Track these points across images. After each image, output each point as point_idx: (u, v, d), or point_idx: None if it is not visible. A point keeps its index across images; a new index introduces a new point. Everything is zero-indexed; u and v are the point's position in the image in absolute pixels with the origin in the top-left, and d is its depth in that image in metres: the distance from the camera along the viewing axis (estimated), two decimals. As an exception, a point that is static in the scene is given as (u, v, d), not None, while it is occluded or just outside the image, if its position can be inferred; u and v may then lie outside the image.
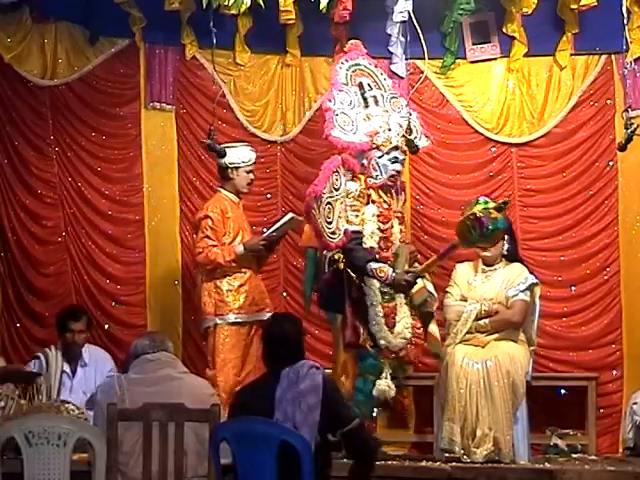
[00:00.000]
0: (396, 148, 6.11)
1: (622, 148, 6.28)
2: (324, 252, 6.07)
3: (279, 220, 6.79)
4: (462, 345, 6.20)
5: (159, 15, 7.23)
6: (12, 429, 4.79)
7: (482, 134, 7.55)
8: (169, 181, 7.58)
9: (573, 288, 7.42)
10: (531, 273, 6.42)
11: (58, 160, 7.44)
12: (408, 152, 6.25)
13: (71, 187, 7.46)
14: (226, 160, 6.64)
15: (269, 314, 6.48)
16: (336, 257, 5.97)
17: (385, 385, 5.95)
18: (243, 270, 6.61)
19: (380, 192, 6.11)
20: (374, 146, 6.09)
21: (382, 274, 5.90)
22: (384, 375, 5.96)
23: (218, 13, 6.72)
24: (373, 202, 6.07)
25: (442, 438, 6.05)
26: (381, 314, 5.91)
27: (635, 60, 7.14)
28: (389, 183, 6.12)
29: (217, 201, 6.71)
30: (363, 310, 5.95)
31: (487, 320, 6.26)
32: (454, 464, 5.87)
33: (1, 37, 7.28)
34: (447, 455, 6.05)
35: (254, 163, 6.80)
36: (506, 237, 6.33)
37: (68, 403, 5.88)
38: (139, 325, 7.36)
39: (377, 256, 5.98)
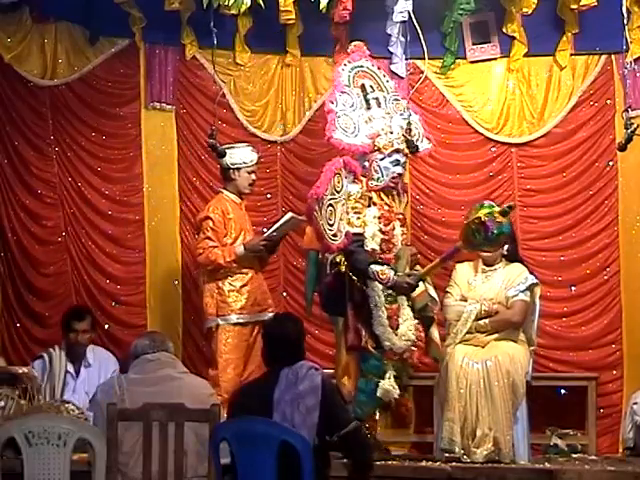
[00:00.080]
0: (397, 151, 6.10)
1: (622, 148, 6.27)
2: (326, 254, 6.07)
3: (279, 220, 6.80)
4: (462, 345, 6.20)
5: (159, 15, 7.23)
6: (12, 429, 4.79)
7: (482, 134, 7.55)
8: (169, 181, 7.58)
9: (573, 288, 7.42)
10: (531, 273, 6.42)
11: (58, 160, 7.44)
12: (408, 152, 6.24)
13: (71, 187, 7.46)
14: (228, 161, 6.65)
15: (272, 314, 6.50)
16: (338, 260, 5.97)
17: (389, 386, 5.95)
18: (245, 270, 6.62)
19: (381, 194, 6.11)
20: (375, 148, 6.08)
21: (384, 276, 5.89)
22: (388, 376, 5.96)
23: (218, 13, 6.71)
24: (374, 204, 6.07)
25: (442, 438, 6.05)
26: (385, 316, 5.91)
27: (635, 60, 7.13)
28: (390, 185, 6.12)
29: (218, 202, 6.71)
30: (365, 312, 5.95)
31: (487, 320, 6.26)
32: (454, 464, 5.86)
33: (1, 37, 7.28)
34: (447, 455, 6.04)
35: (256, 164, 6.81)
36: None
37: (68, 403, 5.88)
38: (139, 325, 7.36)
39: (379, 258, 5.98)
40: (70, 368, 6.61)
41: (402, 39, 7.22)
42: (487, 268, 6.40)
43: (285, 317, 5.07)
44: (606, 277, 7.38)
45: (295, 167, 7.64)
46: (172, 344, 5.45)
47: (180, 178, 7.58)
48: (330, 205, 5.89)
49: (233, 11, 6.90)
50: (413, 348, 6.03)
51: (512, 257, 6.45)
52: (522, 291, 6.29)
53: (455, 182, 7.57)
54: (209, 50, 6.93)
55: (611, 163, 7.39)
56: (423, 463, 5.98)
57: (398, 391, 5.99)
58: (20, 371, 5.99)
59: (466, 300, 6.34)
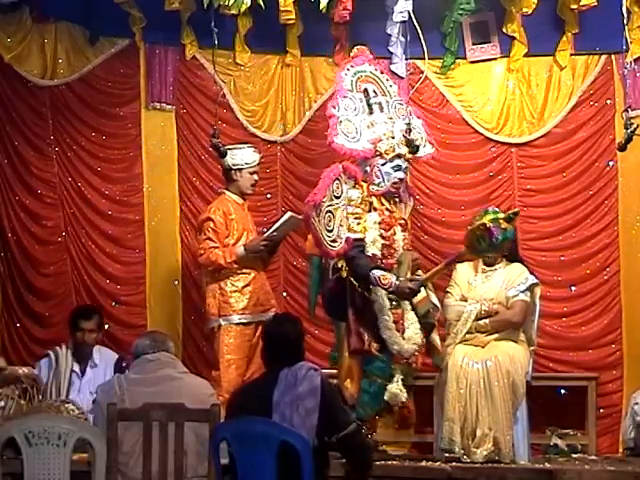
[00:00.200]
0: (399, 156, 6.09)
1: (622, 148, 6.27)
2: (328, 259, 6.07)
3: (278, 220, 6.80)
4: (462, 345, 6.20)
5: (159, 15, 7.23)
6: (12, 429, 4.80)
7: (482, 134, 7.55)
8: (169, 181, 7.58)
9: (573, 288, 7.42)
10: (531, 273, 6.41)
11: (58, 160, 7.44)
12: (408, 153, 6.22)
13: (71, 187, 7.46)
14: (229, 162, 6.66)
15: None
16: (339, 265, 5.96)
17: (397, 389, 5.95)
18: (247, 271, 6.62)
19: (382, 199, 6.10)
20: (377, 153, 6.08)
21: (385, 281, 5.88)
22: (396, 380, 5.96)
23: (218, 13, 6.71)
24: (375, 209, 6.05)
25: (442, 438, 6.05)
26: (391, 320, 5.91)
27: (635, 60, 7.13)
28: (392, 190, 6.11)
29: (220, 203, 6.72)
30: (368, 316, 5.94)
31: (487, 320, 6.26)
32: (454, 464, 5.86)
33: (1, 37, 7.28)
34: (447, 455, 6.04)
35: (258, 164, 6.81)
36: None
37: (68, 403, 5.88)
38: (139, 325, 7.36)
39: (381, 263, 5.97)
40: (76, 367, 6.60)
41: (402, 39, 7.22)
42: (487, 268, 6.40)
43: (284, 317, 5.06)
44: (606, 277, 7.39)
45: (295, 167, 7.64)
46: (173, 344, 5.46)
47: (180, 178, 7.58)
48: (329, 211, 5.87)
49: (233, 11, 6.91)
50: (417, 352, 6.03)
51: (512, 257, 6.44)
52: (522, 291, 6.28)
53: (455, 182, 7.57)
54: (209, 50, 6.94)
55: (611, 163, 7.39)
56: (423, 463, 5.98)
57: (406, 395, 5.99)
58: (20, 371, 5.99)
59: (466, 300, 6.34)
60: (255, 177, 6.77)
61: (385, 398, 5.98)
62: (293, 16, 7.10)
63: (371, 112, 6.23)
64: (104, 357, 6.69)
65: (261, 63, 7.66)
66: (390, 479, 5.63)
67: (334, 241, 5.88)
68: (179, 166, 7.59)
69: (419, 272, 6.18)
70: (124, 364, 6.61)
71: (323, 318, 6.47)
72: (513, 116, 7.53)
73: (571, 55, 7.46)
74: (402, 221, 6.17)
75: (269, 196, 7.58)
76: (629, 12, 6.86)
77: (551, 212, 7.48)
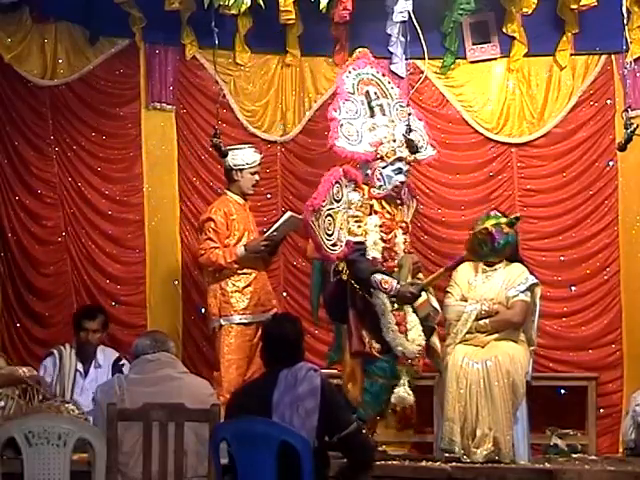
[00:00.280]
0: (400, 159, 6.09)
1: (622, 148, 6.27)
2: (329, 263, 6.07)
3: (278, 220, 6.80)
4: (462, 345, 6.20)
5: (159, 15, 7.23)
6: (12, 429, 4.79)
7: (482, 134, 7.55)
8: (169, 181, 7.58)
9: (573, 288, 7.42)
10: (531, 273, 6.41)
11: (58, 160, 7.44)
12: (409, 153, 6.22)
13: (71, 187, 7.46)
14: (231, 162, 6.67)
15: None
16: (340, 268, 5.96)
17: (405, 393, 5.96)
18: (248, 271, 6.62)
19: (383, 202, 6.09)
20: (378, 156, 6.07)
21: (386, 285, 5.88)
22: (402, 382, 5.96)
23: (218, 13, 6.71)
24: (375, 212, 6.05)
25: (442, 438, 6.05)
26: (393, 322, 5.91)
27: (635, 60, 7.13)
28: (393, 194, 6.11)
29: (221, 203, 6.72)
30: (369, 319, 5.94)
31: (487, 320, 6.26)
32: (454, 464, 5.86)
33: (1, 37, 7.28)
34: (447, 455, 6.04)
35: (259, 164, 6.81)
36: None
37: (68, 403, 5.89)
38: (139, 325, 7.36)
39: (382, 266, 5.96)
40: (80, 367, 6.62)
41: (402, 39, 7.22)
42: (487, 268, 6.39)
43: (284, 317, 5.06)
44: (606, 277, 7.39)
45: (295, 167, 7.64)
46: (173, 344, 5.46)
47: (180, 178, 7.58)
48: (329, 215, 5.87)
49: (233, 11, 6.91)
50: (420, 354, 6.03)
51: (512, 257, 6.44)
52: (522, 291, 6.28)
53: (455, 182, 7.57)
54: (209, 50, 6.94)
55: (611, 163, 7.39)
56: (423, 463, 5.98)
57: (413, 398, 6.00)
58: (20, 371, 5.99)
59: (466, 300, 6.34)
60: (256, 177, 6.78)
61: (392, 401, 5.99)
62: (293, 16, 7.10)
63: (372, 115, 6.23)
64: (108, 357, 6.70)
65: (261, 63, 7.66)
66: (390, 479, 5.63)
67: (334, 245, 5.88)
68: (179, 166, 7.59)
69: (420, 275, 6.19)
70: (121, 362, 6.63)
71: (323, 317, 6.47)
72: (513, 116, 7.53)
73: (571, 55, 7.46)
74: (403, 224, 6.16)
75: (269, 196, 7.58)
76: (629, 12, 6.86)
77: (551, 212, 7.48)
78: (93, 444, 4.78)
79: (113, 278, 7.48)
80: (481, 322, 6.26)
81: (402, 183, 6.13)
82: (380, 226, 6.02)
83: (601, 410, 7.21)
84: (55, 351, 6.63)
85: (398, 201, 6.18)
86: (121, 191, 7.53)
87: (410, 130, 6.15)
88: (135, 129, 7.54)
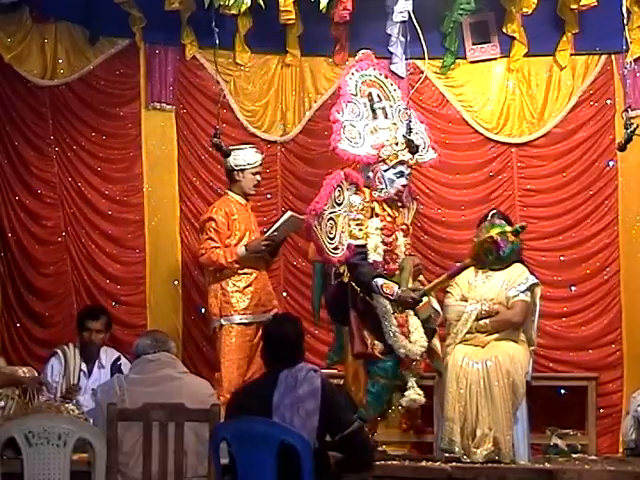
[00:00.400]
0: (402, 162, 6.09)
1: (622, 148, 6.27)
2: (331, 266, 6.07)
3: (278, 220, 6.80)
4: (462, 345, 6.20)
5: (159, 15, 7.23)
6: (12, 429, 4.80)
7: (482, 134, 7.55)
8: (169, 181, 7.58)
9: (573, 288, 7.42)
10: (531, 273, 6.41)
11: (58, 160, 7.44)
12: (409, 153, 6.22)
13: (71, 187, 7.46)
14: (232, 162, 6.67)
15: None
16: (341, 270, 5.96)
17: (416, 395, 5.96)
18: (249, 271, 6.62)
19: (384, 205, 6.09)
20: (380, 159, 6.07)
21: (388, 290, 5.88)
22: (411, 385, 5.96)
23: (218, 13, 6.71)
24: (377, 215, 6.05)
25: (442, 438, 6.05)
26: (396, 324, 5.91)
27: (635, 60, 7.13)
28: (394, 197, 6.11)
29: (223, 203, 6.73)
30: (370, 320, 5.94)
31: (487, 320, 6.26)
32: (454, 464, 5.86)
33: (1, 37, 7.28)
34: (447, 455, 6.04)
35: (260, 165, 6.81)
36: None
37: (68, 403, 5.89)
38: (139, 325, 7.36)
39: (384, 268, 5.96)
40: (83, 367, 6.63)
41: (402, 39, 7.22)
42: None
43: (284, 317, 5.07)
44: (606, 277, 7.39)
45: (295, 167, 7.64)
46: (174, 343, 5.46)
47: (180, 178, 7.58)
48: (331, 219, 5.86)
49: (233, 11, 6.91)
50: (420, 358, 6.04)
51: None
52: (522, 291, 6.28)
53: (455, 182, 7.57)
54: (209, 50, 6.95)
55: (611, 163, 7.39)
56: (423, 463, 5.98)
57: (424, 398, 6.00)
58: (20, 371, 6.00)
59: (466, 300, 6.34)
60: (258, 177, 6.78)
61: (404, 404, 6.00)
62: (293, 16, 7.10)
63: (375, 117, 6.22)
64: (110, 358, 6.71)
65: (261, 63, 7.66)
66: (390, 479, 5.63)
67: (336, 248, 5.87)
68: (179, 166, 7.59)
69: (421, 277, 6.20)
70: (119, 362, 6.64)
71: (323, 318, 6.47)
72: (513, 116, 7.52)
73: (571, 55, 7.45)
74: (404, 226, 6.16)
75: (269, 196, 7.58)
76: (629, 12, 6.86)
77: (551, 212, 7.48)
78: (93, 444, 4.78)
79: (113, 278, 7.48)
80: (481, 322, 6.26)
81: (404, 186, 6.12)
82: (381, 229, 6.01)
83: (601, 410, 7.20)
84: (59, 351, 6.64)
85: (399, 204, 6.17)
86: (121, 191, 7.53)
87: (410, 130, 6.15)
88: (135, 129, 7.54)
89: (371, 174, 6.09)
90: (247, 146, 6.86)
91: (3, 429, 4.88)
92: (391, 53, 7.42)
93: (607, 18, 6.70)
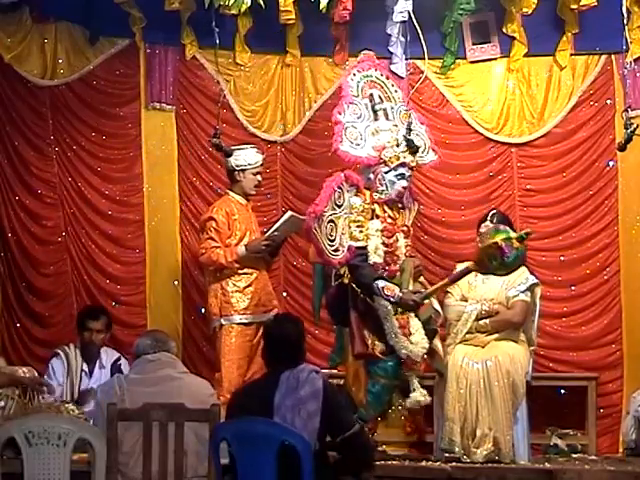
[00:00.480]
0: (403, 164, 6.09)
1: (622, 148, 6.27)
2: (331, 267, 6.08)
3: (279, 220, 6.80)
4: (462, 345, 6.20)
5: (159, 15, 7.23)
6: (12, 429, 4.80)
7: (482, 134, 7.55)
8: (169, 181, 7.58)
9: (573, 288, 7.42)
10: (531, 273, 6.41)
11: (58, 160, 7.44)
12: (410, 153, 6.21)
13: (71, 187, 7.46)
14: (233, 163, 6.67)
15: None
16: (342, 272, 5.96)
17: (421, 396, 5.97)
18: (249, 271, 6.62)
19: (384, 207, 6.08)
20: (381, 161, 6.07)
21: (389, 292, 5.88)
22: (415, 386, 5.96)
23: (218, 13, 6.72)
24: (377, 217, 6.04)
25: (442, 438, 6.05)
26: (397, 325, 5.91)
27: (635, 60, 7.13)
28: (395, 199, 6.11)
29: (223, 203, 6.73)
30: (370, 321, 5.94)
31: (487, 320, 6.26)
32: (454, 464, 5.86)
33: (1, 37, 7.27)
34: (447, 455, 6.04)
35: (261, 165, 6.81)
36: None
37: (68, 403, 5.89)
38: (139, 325, 7.36)
39: (385, 270, 5.95)
40: (85, 367, 6.63)
41: (402, 39, 7.22)
42: (488, 268, 6.39)
43: (285, 318, 5.07)
44: (606, 277, 7.38)
45: (295, 167, 7.65)
46: (175, 343, 5.46)
47: (180, 178, 7.58)
48: (331, 221, 5.86)
49: (233, 11, 6.91)
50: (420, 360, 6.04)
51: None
52: (522, 291, 6.28)
53: (455, 182, 7.57)
54: (209, 50, 6.96)
55: (611, 163, 7.39)
56: (423, 463, 5.98)
57: (429, 398, 6.01)
58: (20, 371, 5.99)
59: (467, 300, 6.34)
60: (258, 178, 6.78)
61: (408, 405, 6.02)
62: (293, 16, 7.09)
63: (376, 118, 6.21)
64: (110, 358, 6.71)
65: (261, 63, 7.66)
66: (390, 479, 5.63)
67: (336, 250, 5.87)
68: (179, 166, 7.59)
69: (421, 279, 6.20)
70: (119, 362, 6.64)
71: (323, 318, 6.47)
72: (513, 116, 7.52)
73: (571, 55, 7.45)
74: (404, 228, 6.16)
75: (269, 196, 7.58)
76: (629, 12, 6.86)
77: (551, 212, 7.48)
78: (93, 444, 4.78)
79: (113, 278, 7.48)
80: (481, 322, 6.26)
81: (404, 188, 6.11)
82: (382, 231, 6.01)
83: (601, 410, 7.20)
84: (60, 352, 6.64)
85: (399, 205, 6.17)
86: (121, 191, 7.53)
87: (410, 130, 6.15)
88: (135, 129, 7.54)
89: (372, 176, 6.08)
90: (248, 146, 6.86)
91: (3, 429, 4.88)
92: (391, 53, 7.43)
93: (607, 18, 6.71)
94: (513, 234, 5.79)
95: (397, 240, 6.06)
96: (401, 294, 5.89)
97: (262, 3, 6.81)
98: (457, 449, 5.98)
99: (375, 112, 6.23)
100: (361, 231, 5.97)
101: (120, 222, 7.52)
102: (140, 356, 5.20)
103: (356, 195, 6.02)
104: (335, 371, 6.54)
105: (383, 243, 5.99)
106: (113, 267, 7.49)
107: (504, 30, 7.41)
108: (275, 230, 6.66)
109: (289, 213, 6.72)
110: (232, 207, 6.69)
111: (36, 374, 6.11)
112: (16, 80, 7.34)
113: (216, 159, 7.32)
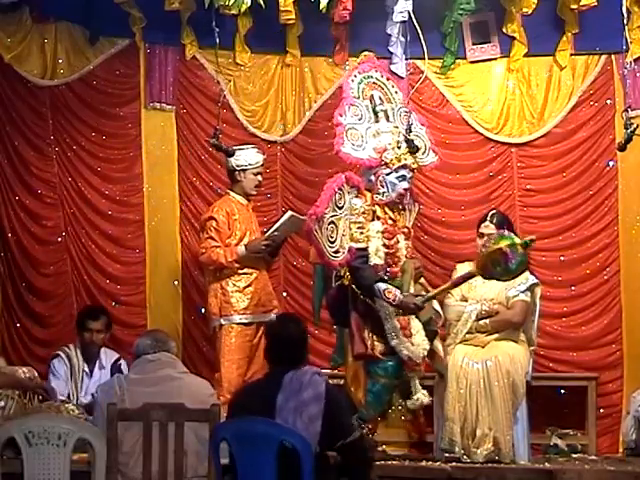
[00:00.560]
0: (404, 166, 6.09)
1: (622, 148, 6.28)
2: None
3: (279, 219, 6.80)
4: (462, 345, 6.20)
5: (159, 15, 7.23)
6: (12, 429, 4.79)
7: (482, 134, 7.55)
8: (169, 181, 7.58)
9: (573, 288, 7.42)
10: (531, 273, 6.41)
11: (58, 160, 7.44)
12: (409, 153, 6.22)
13: (71, 187, 7.46)
14: (233, 163, 6.68)
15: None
16: (342, 273, 5.96)
17: (424, 397, 5.99)
18: (249, 271, 6.62)
19: (385, 208, 6.08)
20: (383, 163, 6.07)
21: (390, 295, 5.87)
22: (417, 388, 5.98)
23: (218, 13, 6.72)
24: (378, 218, 6.04)
25: (442, 438, 6.06)
26: (398, 326, 5.91)
27: (635, 60, 7.13)
28: (396, 201, 6.11)
29: (224, 202, 6.73)
30: (370, 322, 5.94)
31: (487, 320, 6.26)
32: (454, 464, 5.87)
33: (1, 37, 7.27)
34: (447, 455, 6.04)
35: (262, 165, 6.81)
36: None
37: (68, 403, 5.88)
38: (139, 325, 7.37)
39: (386, 271, 5.95)
40: (85, 367, 6.63)
41: (402, 39, 7.22)
42: (488, 268, 6.38)
43: (288, 318, 5.07)
44: (606, 277, 7.39)
45: (295, 167, 7.65)
46: (175, 343, 5.46)
47: (180, 178, 7.58)
48: (331, 222, 5.86)
49: (233, 11, 6.91)
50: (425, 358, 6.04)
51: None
52: (522, 291, 6.28)
53: (455, 182, 7.57)
54: (209, 50, 6.97)
55: (611, 163, 7.39)
56: (423, 463, 5.98)
57: (429, 398, 6.03)
58: (20, 371, 5.99)
59: (466, 300, 6.34)
60: (259, 178, 6.78)
61: (410, 407, 6.03)
62: (293, 16, 7.10)
63: (377, 120, 6.21)
64: (109, 359, 6.71)
65: (261, 63, 7.66)
66: (390, 479, 5.64)
67: (337, 252, 5.87)
68: (179, 166, 7.59)
69: (422, 280, 6.20)
70: (119, 363, 6.64)
71: (323, 318, 6.48)
72: (513, 116, 7.52)
73: (571, 55, 7.45)
74: (405, 229, 6.16)
75: (269, 196, 7.58)
76: (629, 12, 6.86)
77: (551, 212, 7.48)
78: (93, 444, 4.78)
79: (113, 278, 7.48)
80: (481, 322, 6.26)
81: (405, 190, 6.12)
82: (382, 232, 6.00)
83: (601, 410, 7.20)
84: (61, 353, 6.63)
85: (400, 206, 6.17)
86: (121, 191, 7.53)
87: (410, 130, 6.15)
88: (135, 129, 7.54)
89: (373, 177, 6.08)
90: (249, 146, 6.86)
91: (3, 429, 4.87)
92: (391, 53, 7.43)
93: (607, 18, 6.71)
94: (518, 241, 5.77)
95: (398, 242, 6.06)
96: (402, 297, 5.89)
97: (262, 3, 6.82)
98: (457, 449, 5.98)
99: (376, 114, 6.23)
100: (362, 232, 5.97)
101: (120, 222, 7.52)
102: (140, 356, 5.19)
103: (357, 197, 6.02)
104: (335, 371, 6.54)
105: (384, 245, 5.99)
106: (113, 267, 7.49)
107: (504, 30, 7.41)
108: (275, 230, 6.66)
109: (289, 213, 6.72)
110: (232, 207, 6.69)
111: (36, 374, 6.10)
112: (16, 80, 7.34)
113: (216, 159, 7.32)
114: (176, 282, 7.53)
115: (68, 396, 6.40)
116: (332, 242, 5.85)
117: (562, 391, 7.27)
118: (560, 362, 7.34)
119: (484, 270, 5.86)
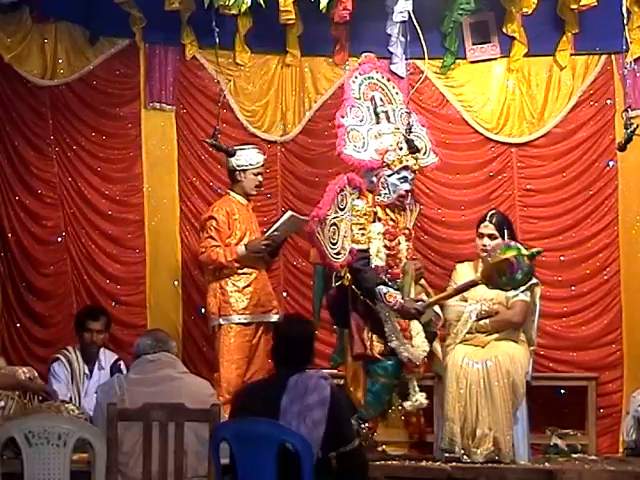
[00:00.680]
0: (406, 168, 6.09)
1: (622, 148, 6.28)
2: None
3: (279, 219, 6.80)
4: (462, 345, 6.21)
5: (159, 15, 7.23)
6: (12, 429, 4.79)
7: (482, 134, 7.55)
8: (169, 181, 7.58)
9: (573, 288, 7.42)
10: (531, 273, 6.41)
11: (58, 160, 7.43)
12: (409, 153, 6.22)
13: (71, 187, 7.45)
14: (234, 163, 6.68)
15: (276, 316, 6.54)
16: (342, 273, 5.96)
17: (422, 398, 6.00)
18: (249, 271, 6.62)
19: (387, 210, 6.09)
20: (384, 164, 6.07)
21: (391, 299, 5.88)
22: (415, 390, 6.00)
23: (218, 13, 6.73)
24: (379, 220, 6.05)
25: (442, 438, 6.06)
26: (398, 328, 5.91)
27: (635, 60, 7.13)
28: (397, 202, 6.11)
29: (224, 202, 6.73)
30: (370, 322, 5.95)
31: (487, 320, 6.26)
32: (454, 464, 5.87)
33: (1, 37, 7.27)
34: (447, 455, 6.05)
35: (262, 165, 6.81)
36: (506, 237, 6.31)
37: (68, 403, 5.88)
38: (139, 325, 7.36)
39: (387, 272, 5.95)
40: (85, 368, 6.63)
41: (402, 39, 7.22)
42: (487, 268, 6.38)
43: (295, 319, 5.07)
44: (606, 277, 7.38)
45: (295, 167, 7.64)
46: (175, 343, 5.46)
47: (180, 178, 7.58)
48: (333, 224, 5.86)
49: (233, 11, 6.91)
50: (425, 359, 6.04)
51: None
52: (522, 291, 6.28)
53: (455, 182, 7.56)
54: (209, 50, 6.96)
55: (611, 163, 7.39)
56: (423, 463, 5.99)
57: (426, 400, 6.04)
58: (20, 371, 5.99)
59: (466, 300, 6.34)
60: (259, 178, 6.78)
61: (408, 409, 6.04)
62: (293, 16, 7.09)
63: (378, 121, 6.22)
64: (109, 359, 6.71)
65: (261, 63, 7.66)
66: (390, 479, 5.64)
67: (338, 253, 5.87)
68: (179, 166, 7.59)
69: (422, 281, 6.20)
70: (118, 363, 6.64)
71: (324, 319, 6.48)
72: (513, 116, 7.52)
73: (571, 55, 7.45)
74: (406, 231, 6.16)
75: (269, 196, 7.58)
76: (629, 12, 6.86)
77: (551, 212, 7.48)
78: (93, 444, 4.78)
79: (113, 278, 7.48)
80: (481, 322, 6.27)
81: (407, 191, 6.12)
82: (384, 233, 6.01)
83: (601, 410, 7.20)
84: (61, 357, 6.63)
85: (401, 207, 6.17)
86: (121, 191, 7.53)
87: (410, 130, 6.15)
88: (135, 129, 7.54)
89: (374, 179, 6.08)
90: (250, 146, 6.86)
91: (3, 429, 4.88)
92: (391, 53, 7.42)
93: (607, 18, 6.71)
94: (525, 251, 5.76)
95: (399, 243, 6.06)
96: (403, 302, 5.89)
97: (262, 3, 6.82)
98: (457, 449, 5.99)
99: (377, 115, 6.24)
100: (363, 234, 5.98)
101: (120, 222, 7.52)
102: (140, 356, 5.20)
103: (358, 198, 6.02)
104: (335, 371, 6.53)
105: (385, 246, 5.99)
106: (113, 267, 7.49)
107: (504, 30, 7.41)
108: (275, 230, 6.66)
109: (289, 213, 6.72)
110: (232, 207, 6.69)
111: (36, 374, 6.10)
112: (16, 80, 7.34)
113: (216, 159, 7.32)
114: (176, 282, 7.52)
115: (70, 399, 6.39)
116: (334, 244, 5.85)
117: (562, 391, 7.27)
118: (560, 362, 7.34)
119: (489, 279, 5.85)
